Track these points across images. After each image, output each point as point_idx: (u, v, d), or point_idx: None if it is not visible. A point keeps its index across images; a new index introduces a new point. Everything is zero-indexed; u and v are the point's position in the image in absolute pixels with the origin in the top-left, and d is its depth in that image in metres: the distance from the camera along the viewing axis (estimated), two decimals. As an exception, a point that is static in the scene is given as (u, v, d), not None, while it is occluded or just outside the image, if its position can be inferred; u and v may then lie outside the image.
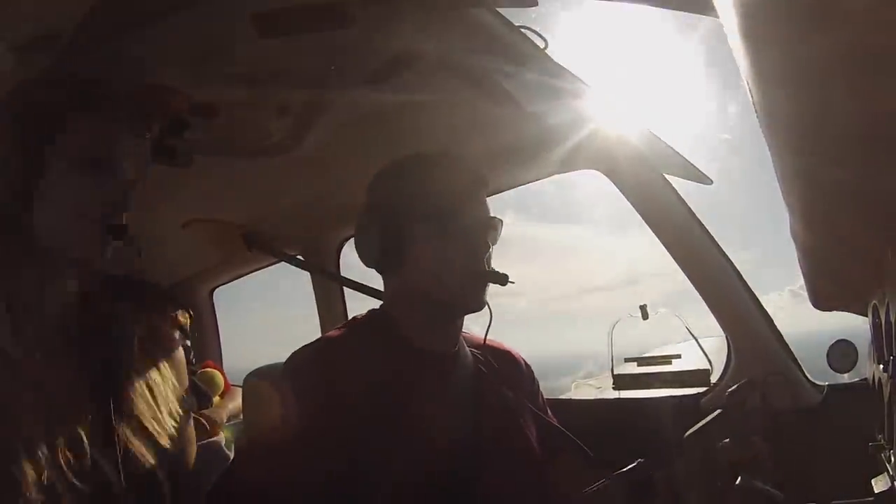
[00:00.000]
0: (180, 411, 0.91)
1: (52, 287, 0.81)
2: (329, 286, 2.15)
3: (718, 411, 0.89)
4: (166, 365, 0.92)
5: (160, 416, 0.86)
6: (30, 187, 0.79)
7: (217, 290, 2.64)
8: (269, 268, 2.36)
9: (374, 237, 1.06)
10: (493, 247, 1.08)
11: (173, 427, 0.88)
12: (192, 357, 2.30)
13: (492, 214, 1.10)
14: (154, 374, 0.89)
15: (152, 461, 0.82)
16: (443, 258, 1.04)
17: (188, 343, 2.19)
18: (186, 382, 0.96)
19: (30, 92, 0.82)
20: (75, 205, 0.80)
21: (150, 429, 0.84)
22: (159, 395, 0.88)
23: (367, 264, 1.10)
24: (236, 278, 2.53)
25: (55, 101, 0.81)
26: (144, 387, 0.86)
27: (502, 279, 1.06)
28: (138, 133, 0.87)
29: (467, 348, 1.13)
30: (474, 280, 1.05)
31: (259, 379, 1.32)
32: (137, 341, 0.88)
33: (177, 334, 0.93)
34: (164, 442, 0.85)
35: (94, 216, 0.81)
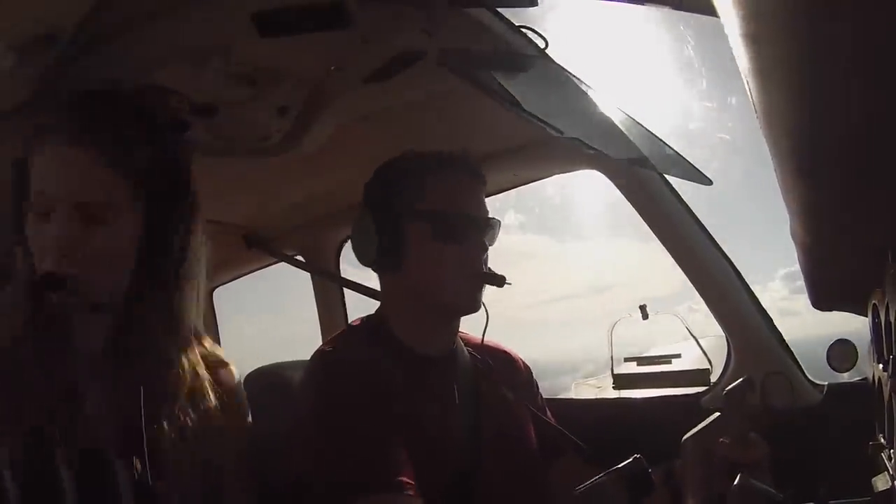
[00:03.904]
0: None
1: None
2: (329, 286, 2.15)
3: (716, 414, 0.88)
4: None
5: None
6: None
7: (217, 289, 2.63)
8: (269, 268, 2.35)
9: (370, 236, 1.04)
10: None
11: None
12: None
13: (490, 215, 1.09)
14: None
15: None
16: (438, 259, 1.03)
17: None
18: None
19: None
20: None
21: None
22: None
23: (363, 263, 1.09)
24: (236, 278, 2.53)
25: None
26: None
27: (499, 281, 1.05)
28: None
29: (465, 349, 1.13)
30: (470, 282, 1.04)
31: (259, 379, 1.31)
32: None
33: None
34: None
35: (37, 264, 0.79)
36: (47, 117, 0.81)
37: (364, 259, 1.08)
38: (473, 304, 1.05)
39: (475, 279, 1.04)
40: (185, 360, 0.87)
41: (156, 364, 0.84)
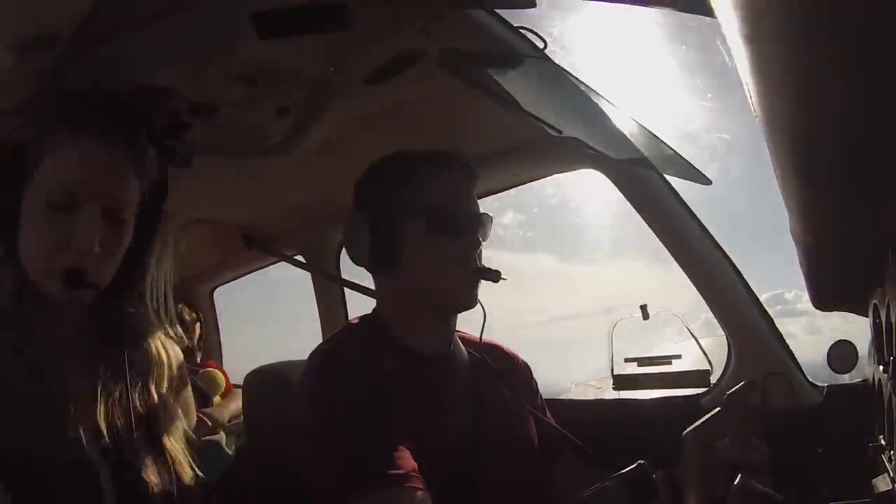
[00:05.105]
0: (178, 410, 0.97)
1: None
2: (329, 286, 2.15)
3: (717, 409, 0.88)
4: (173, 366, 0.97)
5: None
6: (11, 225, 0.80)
7: (217, 289, 2.63)
8: (269, 267, 2.36)
9: (363, 236, 1.04)
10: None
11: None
12: (196, 354, 2.31)
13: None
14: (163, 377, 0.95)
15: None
16: (432, 257, 1.02)
17: (193, 339, 2.22)
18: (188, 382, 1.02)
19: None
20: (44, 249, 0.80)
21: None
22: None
23: (357, 264, 1.08)
24: (236, 278, 2.53)
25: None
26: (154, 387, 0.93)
27: (494, 276, 1.04)
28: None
29: (463, 348, 1.13)
30: (465, 277, 1.03)
31: (259, 379, 1.31)
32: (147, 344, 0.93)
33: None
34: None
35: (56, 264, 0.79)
36: (70, 111, 0.83)
37: (358, 259, 1.07)
38: (470, 300, 1.05)
39: (470, 276, 1.04)
40: (156, 345, 0.95)
41: (132, 349, 0.91)
